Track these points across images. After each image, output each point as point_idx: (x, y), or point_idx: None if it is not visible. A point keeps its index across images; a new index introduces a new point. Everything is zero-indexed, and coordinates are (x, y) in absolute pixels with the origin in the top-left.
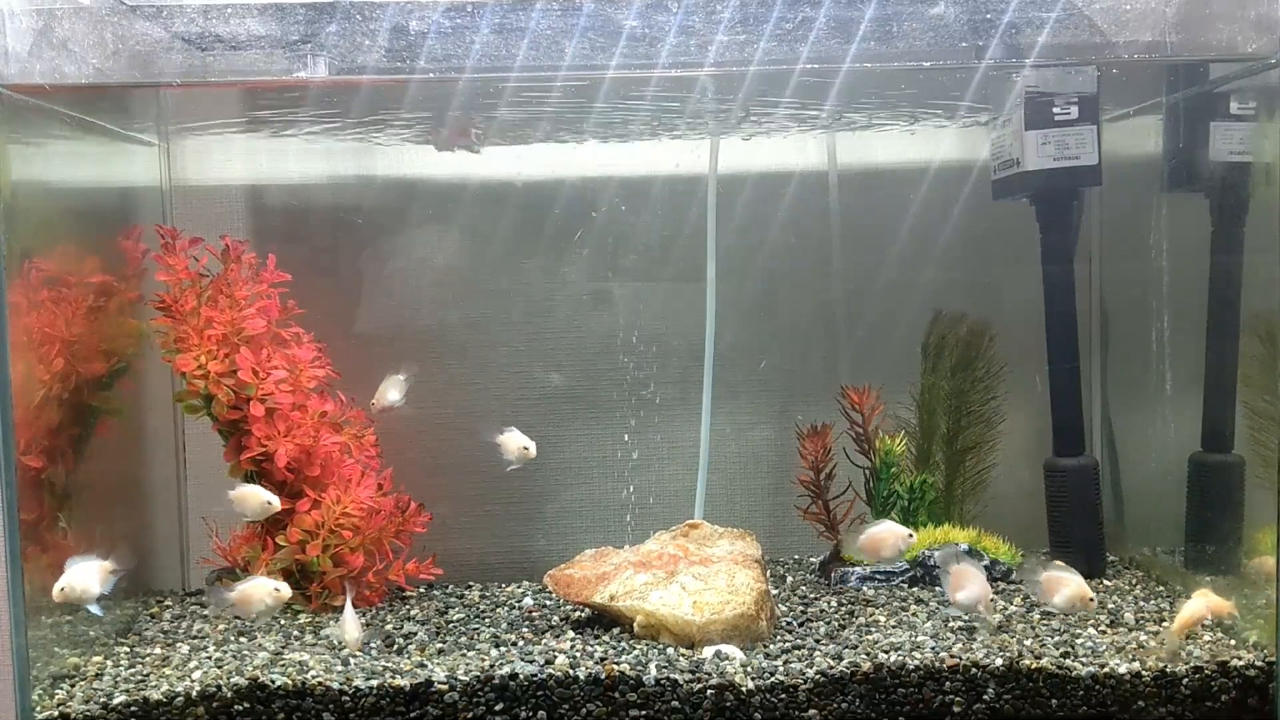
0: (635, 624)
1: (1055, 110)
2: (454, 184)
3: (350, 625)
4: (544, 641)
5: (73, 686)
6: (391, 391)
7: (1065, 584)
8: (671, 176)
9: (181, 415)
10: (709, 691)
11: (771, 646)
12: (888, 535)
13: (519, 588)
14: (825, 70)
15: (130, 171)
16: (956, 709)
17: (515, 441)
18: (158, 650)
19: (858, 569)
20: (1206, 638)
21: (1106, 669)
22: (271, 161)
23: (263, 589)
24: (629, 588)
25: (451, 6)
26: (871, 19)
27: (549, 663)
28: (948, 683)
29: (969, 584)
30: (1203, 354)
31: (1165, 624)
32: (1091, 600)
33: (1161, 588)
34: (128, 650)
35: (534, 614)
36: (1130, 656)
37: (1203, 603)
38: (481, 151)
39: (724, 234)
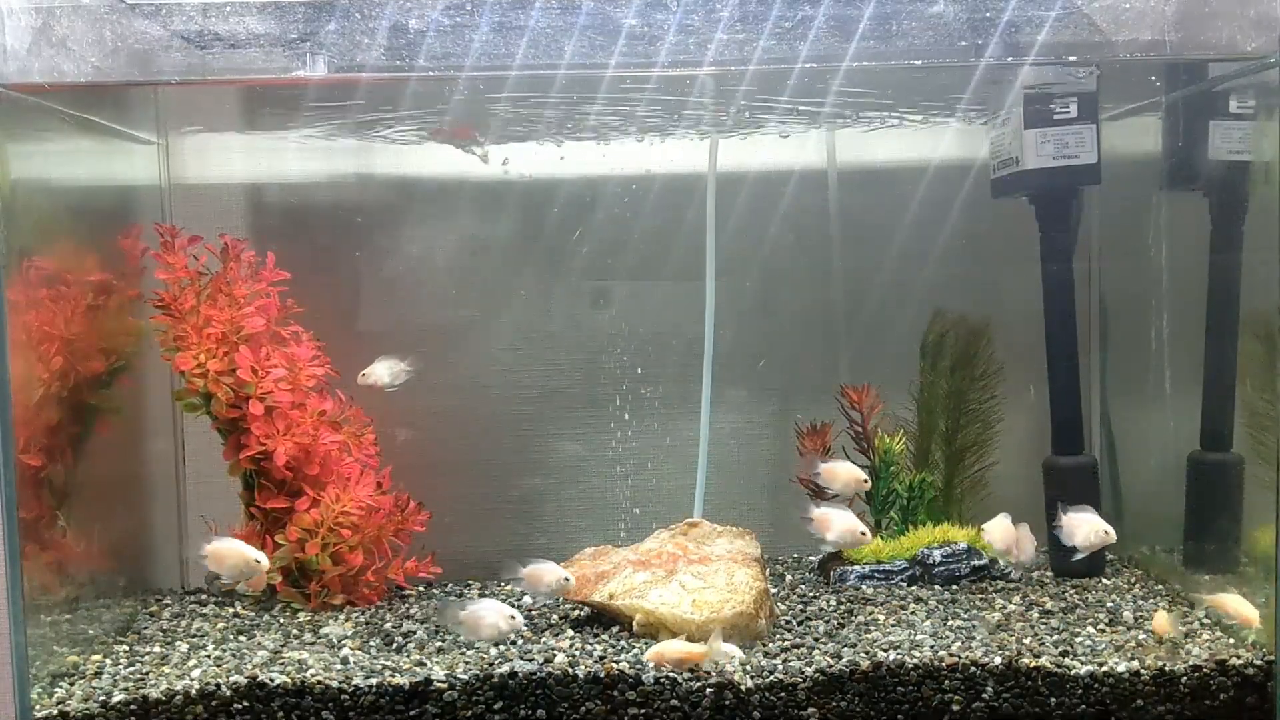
0: (634, 622)
1: (1054, 109)
2: (453, 182)
3: (499, 609)
4: (543, 640)
5: (72, 685)
6: (383, 372)
7: (837, 519)
8: (672, 175)
9: (180, 414)
10: (708, 690)
11: (770, 645)
12: (1083, 524)
13: (519, 586)
14: (825, 69)
15: (129, 170)
16: (955, 707)
17: (550, 573)
18: (157, 649)
19: (857, 568)
20: (1205, 636)
21: (1105, 667)
22: (271, 160)
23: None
24: (628, 586)
25: (451, 4)
26: (871, 17)
27: (548, 661)
28: (946, 681)
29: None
30: (1202, 353)
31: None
32: (865, 534)
33: (1160, 586)
34: (127, 648)
35: (532, 610)
36: (1129, 655)
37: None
38: (486, 156)
39: (723, 233)
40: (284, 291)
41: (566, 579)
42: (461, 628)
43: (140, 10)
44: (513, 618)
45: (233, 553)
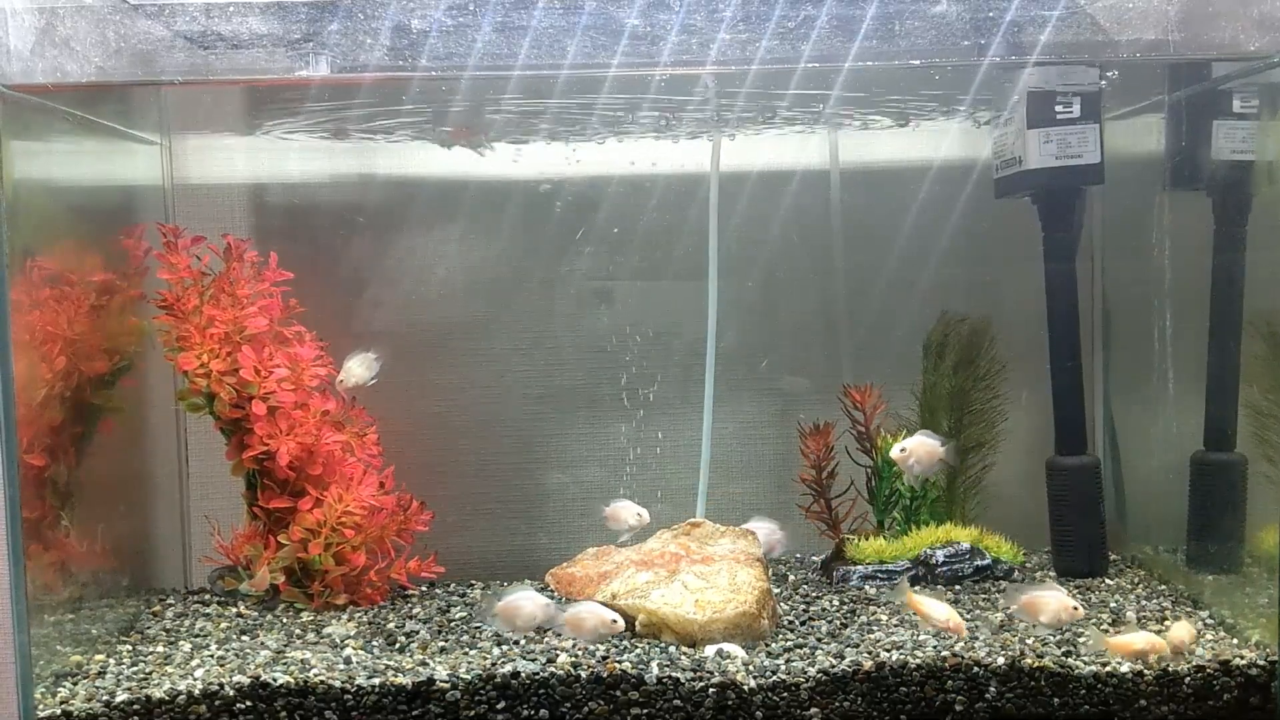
0: (637, 622)
1: (1057, 108)
2: (455, 183)
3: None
4: (546, 640)
5: (75, 684)
6: (358, 368)
7: (1048, 603)
8: (673, 175)
9: (183, 414)
10: (710, 690)
11: (773, 645)
12: (1052, 600)
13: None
14: (827, 68)
15: (132, 170)
16: (959, 708)
17: (627, 510)
18: (160, 648)
19: (859, 568)
20: (1209, 636)
21: (1109, 668)
22: (273, 160)
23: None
24: (631, 586)
25: (453, 4)
26: (873, 17)
27: (551, 661)
28: (949, 681)
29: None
30: (1205, 352)
31: (1166, 623)
32: (1076, 610)
33: (1164, 586)
34: (130, 648)
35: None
36: (1132, 655)
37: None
38: (484, 152)
39: (725, 232)
40: (287, 291)
41: (640, 513)
42: (496, 620)
43: (143, 11)
44: (547, 606)
45: (528, 600)
